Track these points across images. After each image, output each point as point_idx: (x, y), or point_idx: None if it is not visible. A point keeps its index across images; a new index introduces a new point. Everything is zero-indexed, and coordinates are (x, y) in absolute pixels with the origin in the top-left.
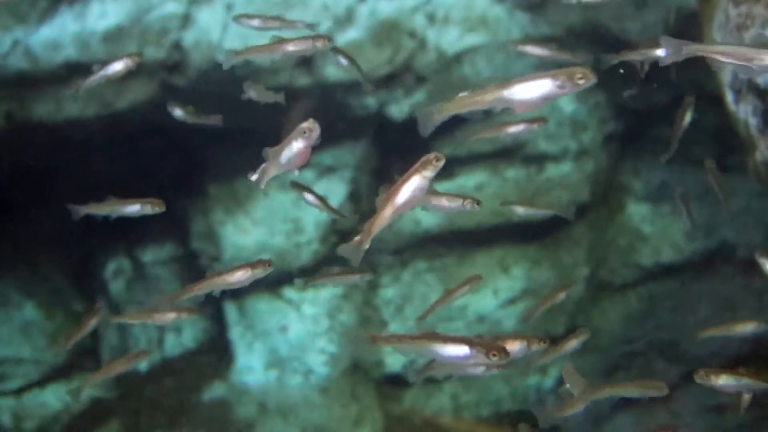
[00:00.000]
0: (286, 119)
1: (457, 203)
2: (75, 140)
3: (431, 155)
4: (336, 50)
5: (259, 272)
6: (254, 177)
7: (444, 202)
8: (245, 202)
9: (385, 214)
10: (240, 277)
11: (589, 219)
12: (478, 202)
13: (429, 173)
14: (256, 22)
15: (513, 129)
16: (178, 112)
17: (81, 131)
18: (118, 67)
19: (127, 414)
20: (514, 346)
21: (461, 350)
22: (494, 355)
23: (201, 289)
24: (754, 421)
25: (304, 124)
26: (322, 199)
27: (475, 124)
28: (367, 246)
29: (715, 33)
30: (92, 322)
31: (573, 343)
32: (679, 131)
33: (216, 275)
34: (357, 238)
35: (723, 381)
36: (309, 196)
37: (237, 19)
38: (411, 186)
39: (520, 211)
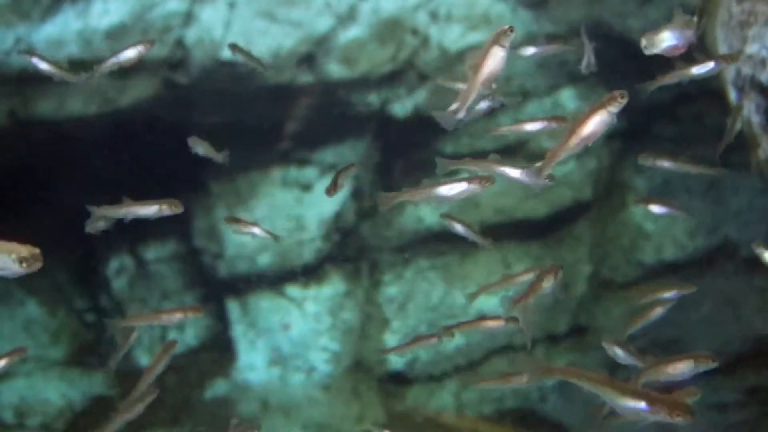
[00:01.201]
0: (287, 117)
1: (516, 173)
2: (77, 137)
3: (615, 92)
4: (233, 47)
5: (476, 187)
6: (454, 107)
7: (507, 171)
8: (247, 200)
9: (571, 144)
10: (459, 189)
11: (592, 217)
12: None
13: (614, 109)
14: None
15: (531, 126)
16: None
17: (83, 128)
18: (130, 54)
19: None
20: (548, 284)
21: (639, 404)
22: (678, 415)
23: (416, 194)
24: (756, 419)
25: (502, 29)
26: (253, 224)
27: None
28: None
29: (718, 30)
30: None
31: (657, 311)
32: (728, 138)
33: (434, 185)
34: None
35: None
36: (236, 226)
37: (21, 53)
38: (597, 120)
39: (458, 228)
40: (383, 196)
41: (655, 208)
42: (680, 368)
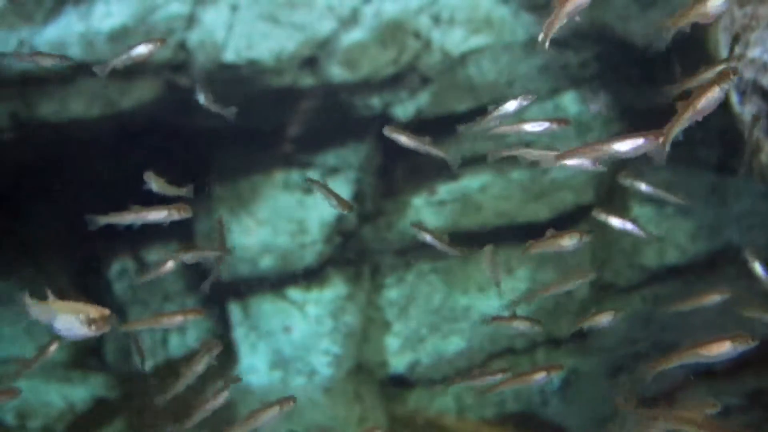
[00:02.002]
0: (289, 119)
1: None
2: (79, 140)
3: (727, 69)
4: (202, 92)
5: (654, 142)
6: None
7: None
8: (249, 203)
9: (686, 118)
10: (635, 145)
11: (594, 220)
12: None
13: (726, 86)
14: None
15: (532, 126)
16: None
17: (86, 130)
18: (143, 50)
19: (130, 414)
20: (569, 242)
21: None
22: None
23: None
24: (759, 423)
25: None
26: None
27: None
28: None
29: (720, 34)
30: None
31: (715, 298)
32: (750, 147)
33: (608, 141)
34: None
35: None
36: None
37: None
38: (710, 96)
39: (427, 238)
40: (551, 156)
41: (615, 222)
42: (719, 350)
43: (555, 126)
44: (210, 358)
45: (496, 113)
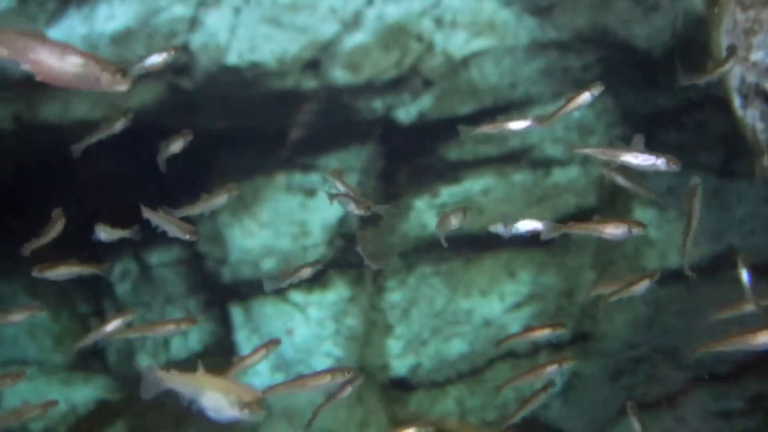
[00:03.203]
0: (292, 122)
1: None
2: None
3: None
4: (167, 145)
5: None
6: None
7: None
8: (251, 205)
9: None
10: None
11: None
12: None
13: None
14: None
15: (515, 126)
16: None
17: (88, 132)
18: (157, 59)
19: (132, 415)
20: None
21: None
22: None
23: None
24: (760, 427)
25: None
26: None
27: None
28: None
29: (722, 38)
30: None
31: (749, 307)
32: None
33: None
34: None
35: None
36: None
37: None
38: None
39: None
40: None
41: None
42: (765, 338)
43: (537, 125)
44: (266, 354)
45: (572, 105)
